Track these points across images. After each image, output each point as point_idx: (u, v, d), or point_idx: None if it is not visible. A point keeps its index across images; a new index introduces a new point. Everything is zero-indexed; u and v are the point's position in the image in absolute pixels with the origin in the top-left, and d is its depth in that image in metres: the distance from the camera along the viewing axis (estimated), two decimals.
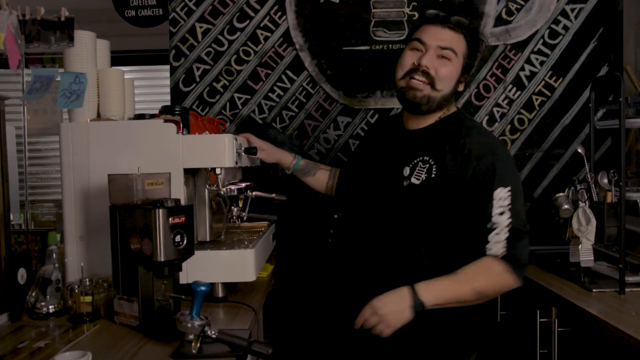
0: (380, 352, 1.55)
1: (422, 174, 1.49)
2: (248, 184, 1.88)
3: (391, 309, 1.38)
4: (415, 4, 2.52)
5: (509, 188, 1.41)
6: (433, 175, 1.48)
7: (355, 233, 1.62)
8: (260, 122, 2.56)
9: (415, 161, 1.52)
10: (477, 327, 1.55)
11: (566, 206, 1.86)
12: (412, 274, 1.45)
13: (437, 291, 1.39)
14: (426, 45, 1.50)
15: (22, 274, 1.53)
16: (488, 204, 1.40)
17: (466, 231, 1.44)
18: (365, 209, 1.66)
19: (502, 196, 1.40)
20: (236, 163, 1.61)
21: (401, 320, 1.38)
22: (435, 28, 1.52)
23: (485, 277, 1.39)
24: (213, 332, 1.18)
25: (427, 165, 1.49)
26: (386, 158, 1.61)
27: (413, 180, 1.50)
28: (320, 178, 1.92)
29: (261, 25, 2.56)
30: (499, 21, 2.53)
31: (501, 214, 1.39)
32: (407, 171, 1.53)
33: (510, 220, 1.39)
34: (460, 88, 1.58)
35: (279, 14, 2.55)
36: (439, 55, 1.50)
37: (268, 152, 1.89)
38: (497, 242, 1.39)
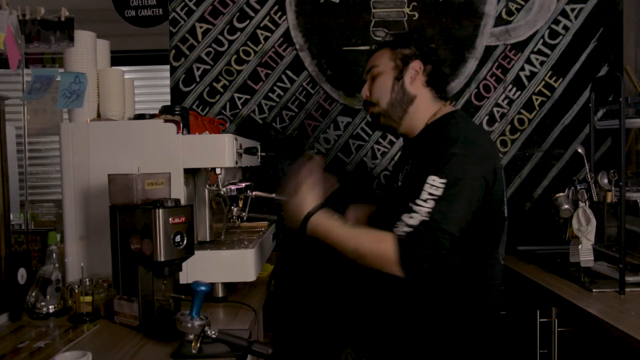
0: (381, 352, 1.55)
1: (403, 175, 1.55)
2: (248, 184, 1.88)
3: (293, 212, 1.49)
4: (415, 4, 2.52)
5: (445, 180, 1.33)
6: (406, 174, 1.53)
7: None
8: (260, 122, 2.56)
9: (406, 167, 1.56)
10: (488, 318, 1.54)
11: (566, 206, 1.86)
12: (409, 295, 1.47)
13: (324, 227, 1.44)
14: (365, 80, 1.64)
15: (22, 274, 1.53)
16: (420, 186, 1.35)
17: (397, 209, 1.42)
18: (373, 215, 1.73)
19: (434, 184, 1.33)
20: (236, 163, 1.61)
21: (298, 212, 1.47)
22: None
23: (374, 246, 1.37)
24: (213, 332, 1.19)
25: (409, 167, 1.53)
26: (393, 169, 1.70)
27: (399, 182, 1.57)
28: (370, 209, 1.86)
29: (261, 25, 2.56)
30: (499, 21, 2.53)
31: (425, 200, 1.33)
32: (400, 177, 1.58)
33: (429, 211, 1.32)
34: (411, 82, 1.55)
35: (279, 14, 2.55)
36: (370, 79, 1.61)
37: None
38: (407, 225, 1.33)
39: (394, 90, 1.56)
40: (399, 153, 1.83)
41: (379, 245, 1.36)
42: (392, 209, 1.47)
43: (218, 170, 1.63)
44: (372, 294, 1.56)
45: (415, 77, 1.56)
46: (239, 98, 2.57)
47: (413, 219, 1.33)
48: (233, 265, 1.60)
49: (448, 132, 1.45)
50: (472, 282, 1.50)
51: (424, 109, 1.57)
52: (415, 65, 1.55)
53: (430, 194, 1.33)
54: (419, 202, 1.33)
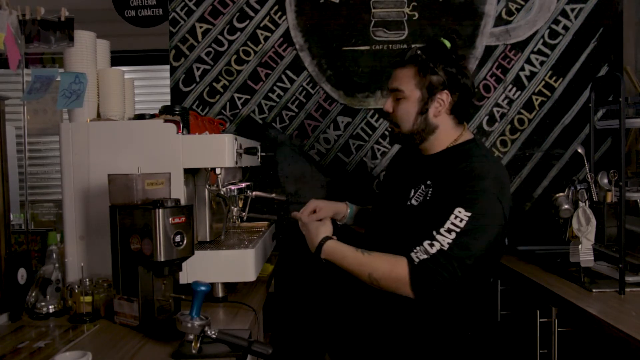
0: (381, 352, 1.55)
1: (421, 196, 1.53)
2: (248, 184, 1.88)
3: (308, 236, 1.62)
4: (415, 4, 2.52)
5: (470, 214, 1.36)
6: (428, 198, 1.50)
7: (359, 238, 1.64)
8: (260, 122, 2.56)
9: (419, 184, 1.55)
10: (477, 327, 1.56)
11: (566, 206, 1.86)
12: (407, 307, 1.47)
13: (339, 253, 1.51)
14: (388, 91, 1.60)
15: (22, 274, 1.53)
16: (445, 216, 1.38)
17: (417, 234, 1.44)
18: (374, 220, 1.72)
19: (459, 215, 1.36)
20: (236, 163, 1.61)
21: (310, 243, 1.60)
22: (394, 72, 1.58)
23: (387, 270, 1.41)
24: (213, 332, 1.19)
25: (427, 189, 1.52)
26: (402, 178, 1.65)
27: (413, 201, 1.55)
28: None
29: (261, 25, 2.56)
30: (499, 21, 2.53)
31: (448, 231, 1.36)
32: (412, 192, 1.57)
33: (451, 242, 1.35)
34: (435, 115, 1.53)
35: (279, 14, 2.55)
36: (395, 97, 1.56)
37: (324, 209, 1.77)
38: (424, 251, 1.37)
39: (417, 121, 1.54)
40: (401, 159, 1.78)
41: (393, 269, 1.40)
42: (404, 226, 1.52)
43: (218, 170, 1.63)
44: (369, 295, 1.57)
45: (440, 109, 1.53)
46: (239, 98, 2.57)
47: (433, 248, 1.36)
48: (233, 265, 1.60)
49: (478, 166, 1.45)
50: (467, 301, 1.52)
51: (445, 136, 1.56)
52: (442, 96, 1.51)
53: (453, 224, 1.36)
54: (442, 231, 1.37)
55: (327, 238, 1.56)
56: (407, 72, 1.53)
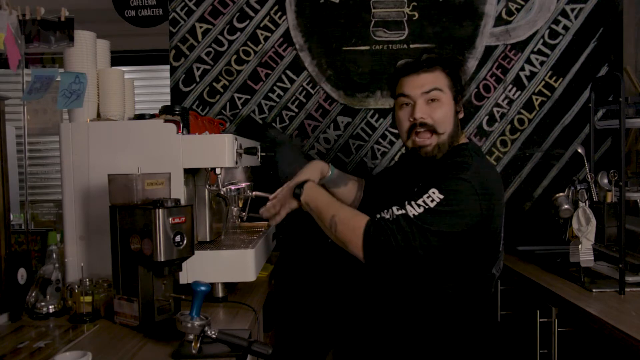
0: (381, 351, 1.55)
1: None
2: (248, 184, 1.88)
3: (285, 189, 1.61)
4: (415, 4, 2.52)
5: (443, 196, 1.36)
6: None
7: None
8: (260, 122, 2.56)
9: (415, 189, 1.52)
10: (477, 328, 1.56)
11: (566, 206, 1.86)
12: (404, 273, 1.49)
13: (316, 193, 1.54)
14: (411, 97, 1.51)
15: (22, 274, 1.53)
16: (420, 194, 1.38)
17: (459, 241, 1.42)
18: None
19: (432, 196, 1.36)
20: (236, 163, 1.61)
21: (290, 202, 1.59)
22: (412, 77, 1.52)
23: (348, 218, 1.42)
24: (213, 332, 1.18)
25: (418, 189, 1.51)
26: (403, 179, 1.66)
27: None
28: (350, 189, 1.85)
29: (261, 25, 2.56)
30: (499, 21, 2.53)
31: (418, 205, 1.36)
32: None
33: (417, 214, 1.34)
34: (460, 115, 1.57)
35: (279, 14, 2.55)
36: (427, 101, 1.50)
37: (310, 175, 1.73)
38: (387, 213, 1.37)
39: (454, 123, 1.53)
40: (393, 164, 1.79)
41: (353, 217, 1.41)
42: None
43: (218, 170, 1.63)
44: (371, 293, 1.56)
45: (460, 113, 1.57)
46: (239, 98, 2.57)
47: (398, 212, 1.36)
48: (233, 265, 1.60)
49: (463, 159, 1.46)
50: (464, 304, 1.51)
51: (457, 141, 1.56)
52: (461, 100, 1.55)
53: (424, 201, 1.36)
54: (412, 203, 1.37)
55: (309, 180, 1.59)
56: (438, 75, 1.52)
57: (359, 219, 1.39)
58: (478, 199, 1.39)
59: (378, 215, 1.39)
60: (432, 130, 1.49)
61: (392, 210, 1.38)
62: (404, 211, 1.36)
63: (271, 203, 1.61)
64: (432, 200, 1.36)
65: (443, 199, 1.36)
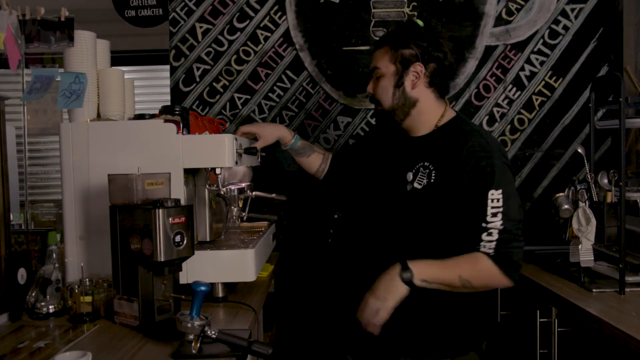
0: (381, 350, 1.55)
1: (423, 179, 1.54)
2: (248, 184, 1.88)
3: (383, 283, 1.44)
4: (415, 4, 2.52)
5: (501, 190, 1.43)
6: (432, 180, 1.52)
7: (358, 234, 1.64)
8: (260, 122, 2.56)
9: (417, 167, 1.56)
10: (478, 325, 1.57)
11: (566, 206, 1.86)
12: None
13: (425, 266, 1.44)
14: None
15: (22, 274, 1.53)
16: (482, 205, 1.44)
17: (466, 231, 1.46)
18: (369, 211, 1.72)
19: (494, 197, 1.43)
20: (236, 163, 1.61)
21: (394, 291, 1.42)
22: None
23: (472, 267, 1.43)
24: (213, 332, 1.18)
25: (427, 171, 1.54)
26: (391, 163, 1.66)
27: (415, 184, 1.55)
28: (314, 160, 1.91)
29: (261, 25, 2.56)
30: (499, 21, 2.53)
31: (494, 215, 1.42)
32: (410, 176, 1.57)
33: (502, 222, 1.42)
34: (411, 88, 1.57)
35: (279, 14, 2.55)
36: (374, 77, 1.62)
37: (267, 132, 1.84)
38: (489, 241, 1.42)
39: (395, 95, 1.58)
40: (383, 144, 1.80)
41: (478, 267, 1.43)
42: (410, 210, 1.55)
43: (218, 170, 1.63)
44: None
45: (416, 81, 1.57)
46: (239, 98, 2.57)
47: (492, 236, 1.42)
48: (233, 265, 1.60)
49: (478, 143, 1.50)
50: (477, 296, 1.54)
51: (429, 110, 1.59)
52: (417, 68, 1.55)
53: (494, 207, 1.43)
54: (489, 219, 1.43)
55: (405, 265, 1.44)
56: (382, 51, 1.60)
57: (480, 262, 1.42)
58: (511, 169, 1.52)
59: (490, 251, 1.42)
60: (374, 100, 1.64)
61: (486, 240, 1.42)
62: (494, 232, 1.42)
63: (372, 308, 1.43)
64: (498, 201, 1.43)
65: (503, 192, 1.43)
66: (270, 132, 1.85)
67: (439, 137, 1.57)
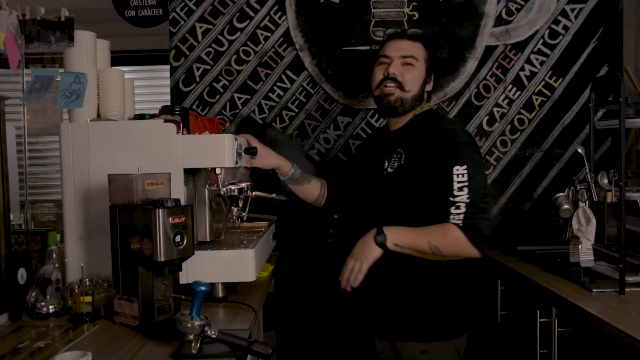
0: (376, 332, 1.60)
1: (395, 163, 1.65)
2: (248, 184, 1.88)
3: (360, 245, 1.57)
4: (415, 4, 2.52)
5: (465, 166, 1.52)
6: (402, 162, 1.62)
7: (354, 233, 1.65)
8: (260, 122, 2.56)
9: (392, 155, 1.67)
10: (460, 306, 1.64)
11: (566, 206, 1.86)
12: (394, 256, 1.56)
13: (398, 232, 1.55)
14: (390, 57, 1.70)
15: (22, 274, 1.53)
16: (448, 180, 1.52)
17: (436, 207, 1.55)
18: (357, 206, 1.77)
19: (459, 173, 1.52)
20: (236, 163, 1.61)
21: (369, 253, 1.54)
22: (395, 42, 1.72)
23: (441, 235, 1.51)
24: (213, 332, 1.19)
25: (399, 155, 1.64)
26: (371, 157, 1.77)
27: (389, 169, 1.66)
28: (313, 187, 1.93)
29: (261, 25, 2.56)
30: (499, 21, 2.53)
31: (460, 189, 1.51)
32: (385, 164, 1.68)
33: (468, 196, 1.51)
34: (428, 87, 1.74)
35: (279, 14, 2.55)
36: (403, 63, 1.68)
37: (266, 157, 1.85)
38: (457, 214, 1.51)
39: (420, 88, 1.70)
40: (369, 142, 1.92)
41: (448, 236, 1.51)
42: (384, 193, 1.66)
43: (218, 170, 1.63)
44: (368, 287, 1.58)
45: (430, 84, 1.74)
46: (239, 98, 2.57)
47: (460, 209, 1.51)
48: (233, 265, 1.60)
49: (445, 126, 1.65)
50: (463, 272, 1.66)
51: (420, 109, 1.74)
52: (431, 77, 1.74)
53: (459, 182, 1.52)
54: (456, 193, 1.51)
55: (380, 229, 1.55)
56: (417, 45, 1.71)
57: (450, 231, 1.50)
58: (476, 148, 1.62)
59: (459, 222, 1.50)
60: (400, 87, 1.67)
61: (454, 213, 1.51)
62: (462, 205, 1.50)
63: (350, 268, 1.56)
64: (463, 175, 1.52)
65: (467, 167, 1.52)
66: (270, 157, 1.85)
67: (412, 125, 1.70)
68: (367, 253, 1.54)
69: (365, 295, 1.63)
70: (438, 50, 1.79)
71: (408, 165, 1.61)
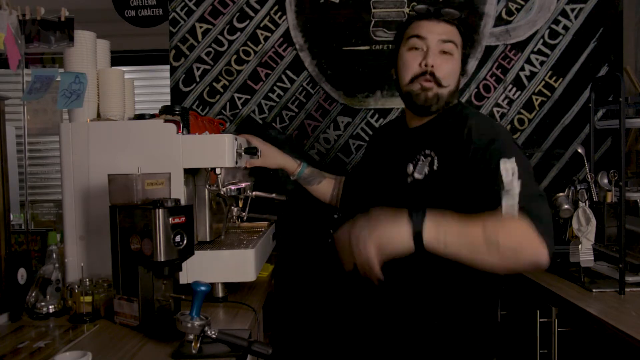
0: (383, 351, 1.55)
1: (424, 167, 1.41)
2: (248, 184, 1.88)
3: (385, 224, 1.19)
4: (415, 4, 2.52)
5: (513, 159, 1.26)
6: (435, 168, 1.39)
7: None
8: (260, 122, 2.56)
9: (417, 156, 1.44)
10: (493, 330, 1.48)
11: (566, 206, 1.86)
12: (420, 271, 1.37)
13: (444, 221, 1.18)
14: (427, 41, 1.42)
15: (22, 274, 1.53)
16: (497, 174, 1.25)
17: (480, 208, 1.27)
18: (368, 203, 1.59)
19: (508, 166, 1.25)
20: (236, 163, 1.61)
21: (394, 239, 1.16)
22: (430, 23, 1.44)
23: (496, 220, 1.19)
24: (213, 332, 1.18)
25: (429, 159, 1.41)
26: (390, 158, 1.55)
27: (416, 175, 1.43)
28: (326, 186, 1.82)
29: (261, 25, 2.56)
30: (499, 21, 2.53)
31: (510, 181, 1.25)
32: (410, 168, 1.46)
33: (520, 184, 1.23)
34: (462, 81, 1.53)
35: (279, 14, 2.55)
36: (441, 51, 1.43)
37: (269, 157, 1.79)
38: (511, 201, 1.21)
39: (457, 83, 1.47)
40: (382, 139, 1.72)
41: (509, 223, 1.20)
42: (412, 203, 1.31)
43: (218, 170, 1.63)
44: (375, 293, 1.54)
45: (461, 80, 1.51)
46: (239, 98, 2.57)
47: (512, 197, 1.22)
48: (233, 265, 1.60)
49: (483, 121, 1.39)
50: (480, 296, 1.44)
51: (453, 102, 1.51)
52: (468, 55, 1.51)
53: (508, 174, 1.25)
54: (506, 183, 1.24)
55: (420, 215, 1.18)
56: (454, 30, 1.46)
57: (511, 221, 1.20)
58: (519, 146, 1.39)
59: (515, 208, 1.21)
60: (437, 82, 1.43)
61: (509, 199, 1.21)
62: (518, 192, 1.22)
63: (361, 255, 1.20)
64: (513, 168, 1.25)
65: (516, 159, 1.26)
66: (274, 156, 1.76)
67: (439, 123, 1.45)
68: (390, 235, 1.16)
69: (384, 306, 1.43)
70: (471, 37, 1.57)
71: (443, 171, 1.37)
